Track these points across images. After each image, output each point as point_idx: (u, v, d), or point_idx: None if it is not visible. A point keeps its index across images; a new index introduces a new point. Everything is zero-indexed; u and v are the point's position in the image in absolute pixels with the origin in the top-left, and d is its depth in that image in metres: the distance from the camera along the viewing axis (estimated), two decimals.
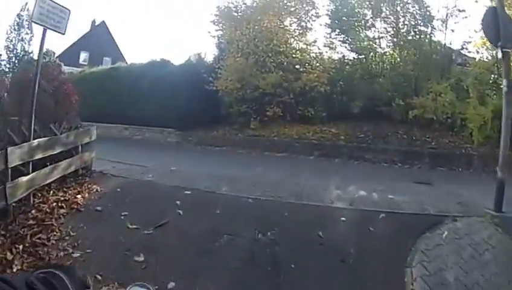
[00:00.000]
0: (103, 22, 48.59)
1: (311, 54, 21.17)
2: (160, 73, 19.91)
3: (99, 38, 44.89)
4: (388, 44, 21.00)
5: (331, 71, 19.80)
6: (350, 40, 20.93)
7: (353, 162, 16.10)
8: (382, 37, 20.84)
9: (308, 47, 21.20)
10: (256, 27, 20.05)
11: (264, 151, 17.60)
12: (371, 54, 20.93)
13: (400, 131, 17.79)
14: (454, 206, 8.91)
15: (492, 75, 18.81)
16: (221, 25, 21.66)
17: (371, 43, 20.90)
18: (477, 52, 19.99)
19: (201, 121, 19.91)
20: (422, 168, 15.65)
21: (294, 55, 20.68)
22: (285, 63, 20.10)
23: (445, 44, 20.44)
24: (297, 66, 20.45)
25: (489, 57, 19.68)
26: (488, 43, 19.40)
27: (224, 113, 20.05)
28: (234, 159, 16.10)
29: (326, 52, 21.45)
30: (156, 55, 46.76)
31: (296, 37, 21.23)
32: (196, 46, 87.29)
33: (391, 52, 21.31)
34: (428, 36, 20.39)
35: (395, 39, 20.52)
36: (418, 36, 20.37)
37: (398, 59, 20.67)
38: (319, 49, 21.26)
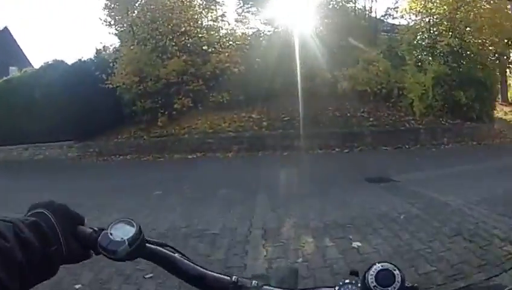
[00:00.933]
0: (6, 28, 42.68)
1: (221, 32, 18.22)
2: (52, 77, 16.41)
3: (2, 47, 39.45)
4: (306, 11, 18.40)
5: (245, 48, 16.86)
6: (264, 11, 18.26)
7: (281, 155, 13.30)
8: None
9: (216, 23, 18.22)
10: (152, 6, 16.71)
11: (174, 153, 14.64)
12: (286, 23, 18.21)
13: (331, 107, 15.39)
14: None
15: (427, 40, 17.16)
16: (113, 7, 17.41)
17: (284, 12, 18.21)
18: (402, 17, 18.73)
19: (105, 125, 16.80)
20: (364, 150, 13.50)
21: (200, 35, 17.56)
22: (190, 45, 17.00)
23: (370, 10, 18.83)
24: (204, 47, 17.39)
25: (422, 22, 18.05)
26: (416, 7, 17.80)
27: (128, 112, 16.75)
28: (132, 177, 12.05)
29: (239, 27, 18.76)
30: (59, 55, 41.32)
31: (200, 14, 18.08)
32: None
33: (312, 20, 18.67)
34: (352, 3, 18.54)
35: (314, 6, 17.91)
36: (341, 3, 18.12)
37: (321, 28, 18.03)
38: (229, 24, 18.41)
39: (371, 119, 14.49)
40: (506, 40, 19.82)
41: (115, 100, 16.36)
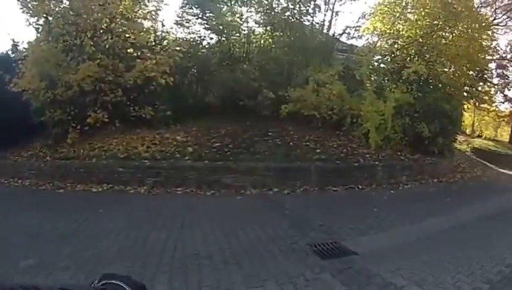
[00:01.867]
0: None
1: (153, 33, 15.43)
2: None
3: None
4: (258, 22, 15.95)
5: (178, 56, 14.02)
6: (208, 16, 15.55)
7: (203, 195, 10.24)
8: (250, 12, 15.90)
9: (148, 22, 15.21)
10: None
11: (78, 183, 11.30)
12: (235, 33, 15.69)
13: (272, 133, 12.85)
14: None
15: (391, 64, 15.35)
16: None
17: (234, 18, 15.64)
18: (361, 37, 17.18)
19: (9, 137, 13.17)
20: (308, 192, 10.80)
21: (127, 35, 14.29)
22: (108, 46, 13.60)
23: (329, 26, 16.48)
24: (130, 50, 14.41)
25: (385, 44, 16.16)
26: (382, 28, 15.95)
27: (37, 123, 13.34)
28: (16, 218, 7.97)
29: (178, 31, 16.15)
30: None
31: (131, 8, 14.72)
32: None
33: (261, 32, 16.47)
34: (309, 17, 16.15)
35: (266, 17, 15.37)
36: (297, 16, 15.66)
37: (270, 41, 15.71)
38: (163, 25, 15.84)
39: (318, 150, 12.01)
40: (477, 73, 18.38)
41: (23, 107, 13.14)
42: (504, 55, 38.34)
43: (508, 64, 39.46)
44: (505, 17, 35.56)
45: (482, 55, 18.01)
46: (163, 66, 13.16)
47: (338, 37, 16.78)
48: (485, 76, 25.83)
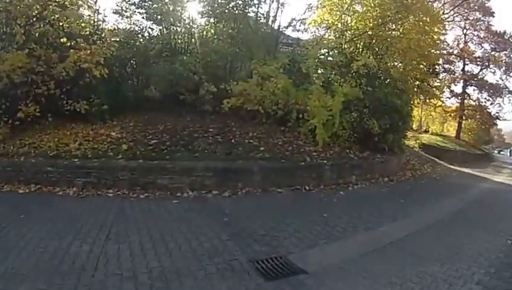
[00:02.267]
0: None
1: (93, 23, 14.36)
2: None
3: None
4: (201, 12, 15.03)
5: (114, 46, 13.09)
6: (148, 4, 14.47)
7: (137, 198, 9.20)
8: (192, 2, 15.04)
9: (82, 10, 14.11)
10: None
11: (6, 183, 9.96)
12: (176, 23, 14.80)
13: (213, 129, 11.99)
14: None
15: (339, 57, 14.84)
16: None
17: (175, 8, 14.61)
18: (306, 30, 16.43)
19: None
20: (251, 194, 9.86)
21: (61, 23, 13.09)
22: (38, 35, 12.47)
23: (274, 18, 15.81)
24: (64, 40, 13.20)
25: (333, 36, 15.59)
26: (330, 20, 15.41)
27: None
28: None
29: (117, 20, 15.05)
30: None
31: None
32: None
33: (204, 23, 15.76)
34: (254, 8, 15.35)
35: (209, 7, 14.57)
36: (241, 7, 14.87)
37: (213, 32, 15.09)
38: (99, 13, 14.55)
39: (262, 148, 11.21)
40: (428, 67, 18.16)
41: None
42: (451, 50, 39.12)
43: (455, 60, 40.30)
44: (452, 12, 36.42)
45: (433, 49, 17.80)
46: (98, 57, 12.12)
47: (284, 30, 16.05)
48: (436, 70, 25.95)
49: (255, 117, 12.68)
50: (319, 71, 13.56)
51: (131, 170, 9.82)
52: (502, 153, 75.83)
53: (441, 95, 33.98)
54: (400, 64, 16.34)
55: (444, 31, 20.81)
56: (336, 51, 15.13)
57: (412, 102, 18.24)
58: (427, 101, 33.61)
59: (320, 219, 7.76)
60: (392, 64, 15.64)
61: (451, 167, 22.73)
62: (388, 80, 14.92)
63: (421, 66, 17.36)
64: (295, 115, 12.49)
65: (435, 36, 17.23)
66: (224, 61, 14.10)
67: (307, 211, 8.55)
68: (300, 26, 15.72)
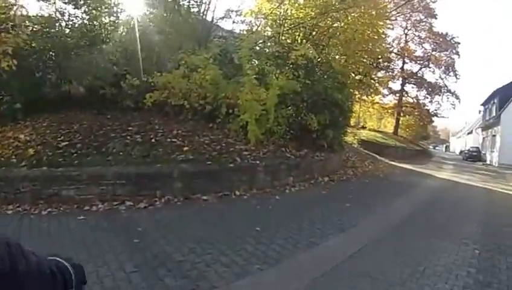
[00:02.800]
0: None
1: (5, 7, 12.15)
2: None
3: None
4: None
5: (26, 34, 10.92)
6: None
7: (39, 215, 7.28)
8: None
9: None
10: None
11: None
12: (99, 9, 12.78)
13: (132, 127, 10.30)
14: None
15: (276, 47, 13.69)
16: None
17: None
18: (243, 22, 15.57)
19: None
20: (171, 204, 8.14)
21: None
22: None
23: (208, 6, 14.57)
24: None
25: (271, 26, 14.54)
26: (268, 8, 14.26)
27: None
28: None
29: (35, 6, 13.73)
30: None
31: None
32: None
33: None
34: None
35: None
36: None
37: (139, 19, 13.38)
38: None
39: (186, 148, 9.63)
40: (373, 61, 17.36)
41: None
42: (391, 49, 39.35)
43: (395, 58, 40.60)
44: (394, 12, 36.35)
45: (378, 42, 17.01)
46: (6, 46, 10.27)
47: (219, 21, 14.80)
48: (381, 64, 25.41)
49: (181, 113, 11.17)
50: (253, 62, 12.15)
51: (33, 180, 7.97)
52: (437, 148, 79.21)
53: (381, 91, 33.96)
54: (343, 57, 15.29)
55: (390, 26, 20.15)
56: (273, 41, 13.93)
57: (353, 96, 17.36)
58: (367, 97, 33.43)
59: (253, 234, 6.26)
60: (334, 56, 14.59)
61: (393, 163, 22.22)
62: (329, 73, 13.82)
63: (365, 59, 16.45)
64: (225, 110, 11.01)
65: (380, 30, 16.42)
66: (151, 51, 12.54)
67: (237, 224, 6.97)
68: (236, 17, 14.66)
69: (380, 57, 20.17)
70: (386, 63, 32.30)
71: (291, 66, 12.48)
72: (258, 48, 13.38)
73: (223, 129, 11.12)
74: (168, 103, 10.94)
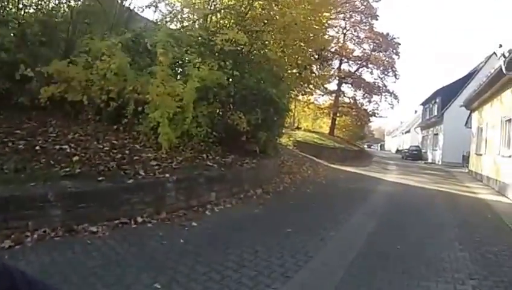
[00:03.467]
0: None
1: None
2: None
3: None
4: None
5: None
6: None
7: None
8: None
9: None
10: None
11: None
12: None
13: (21, 130, 7.76)
14: None
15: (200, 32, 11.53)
16: None
17: None
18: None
19: None
20: (36, 245, 5.27)
21: None
22: None
23: None
24: None
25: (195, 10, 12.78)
26: None
27: None
28: None
29: None
30: None
31: None
32: None
33: None
34: None
35: None
36: None
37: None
38: None
39: (76, 158, 7.17)
40: (314, 52, 15.68)
41: None
42: (329, 48, 38.58)
43: (332, 58, 39.77)
44: (334, 11, 35.36)
45: (322, 32, 15.34)
46: None
47: (144, 9, 12.51)
48: (324, 56, 23.79)
49: (79, 112, 8.88)
50: (170, 48, 9.90)
51: None
52: (372, 147, 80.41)
53: (321, 87, 32.84)
54: (280, 46, 13.24)
55: (334, 16, 18.65)
56: (196, 25, 11.87)
57: (290, 93, 15.48)
58: (304, 95, 32.22)
59: None
60: (269, 43, 12.68)
61: (333, 166, 20.73)
62: (263, 64, 11.86)
63: (305, 49, 14.62)
64: (133, 108, 8.73)
65: (323, 19, 14.79)
66: (53, 36, 10.02)
67: (130, 277, 4.51)
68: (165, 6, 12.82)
69: (322, 48, 18.70)
70: (328, 54, 30.85)
71: (217, 54, 10.42)
72: (177, 34, 11.20)
73: (131, 132, 8.84)
74: (62, 98, 8.58)
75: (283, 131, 17.47)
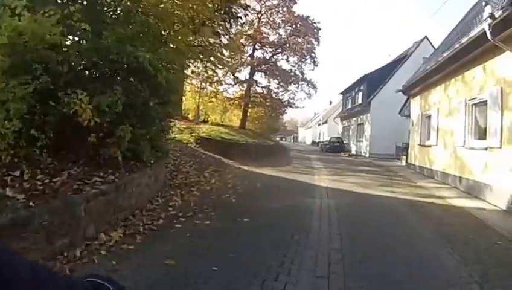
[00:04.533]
0: None
1: None
2: None
3: None
4: None
5: None
6: None
7: None
8: None
9: None
10: None
11: None
12: None
13: None
14: None
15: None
16: None
17: None
18: None
19: None
20: None
21: None
22: None
23: None
24: None
25: None
26: None
27: None
28: None
29: None
30: None
31: None
32: None
33: None
34: None
35: None
36: None
37: None
38: None
39: None
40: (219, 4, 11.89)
41: None
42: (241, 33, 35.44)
43: (244, 44, 36.66)
44: None
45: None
46: None
47: None
48: (233, 12, 18.89)
49: None
50: None
51: None
52: (284, 140, 78.34)
53: (226, 74, 28.89)
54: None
55: None
56: None
57: (185, 64, 10.82)
58: (207, 85, 28.11)
59: None
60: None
61: (246, 168, 16.13)
62: (133, 13, 7.42)
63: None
64: None
65: None
66: None
67: None
68: None
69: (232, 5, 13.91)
70: (240, 10, 24.78)
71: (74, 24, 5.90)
72: None
73: None
74: None
75: (184, 125, 13.00)
